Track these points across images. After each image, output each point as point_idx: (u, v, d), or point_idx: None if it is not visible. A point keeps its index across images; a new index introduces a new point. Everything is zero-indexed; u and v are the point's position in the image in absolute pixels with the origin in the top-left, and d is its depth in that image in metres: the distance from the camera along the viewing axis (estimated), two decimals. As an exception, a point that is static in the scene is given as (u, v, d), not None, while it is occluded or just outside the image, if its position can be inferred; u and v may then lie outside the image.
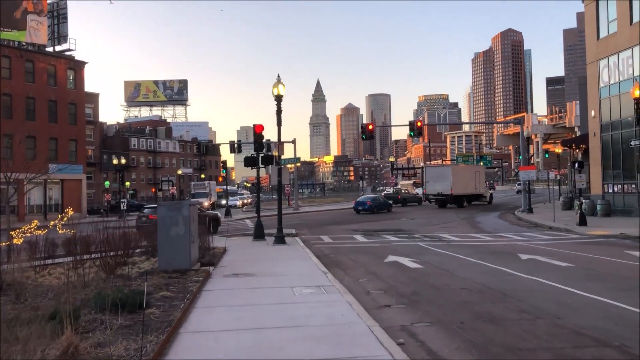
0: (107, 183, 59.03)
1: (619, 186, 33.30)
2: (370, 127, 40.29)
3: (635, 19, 31.47)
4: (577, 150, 45.36)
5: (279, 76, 20.49)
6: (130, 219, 41.36)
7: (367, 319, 8.56)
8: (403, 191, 64.17)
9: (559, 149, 68.23)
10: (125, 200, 47.70)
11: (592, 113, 35.47)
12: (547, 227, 28.95)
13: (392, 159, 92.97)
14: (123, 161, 62.69)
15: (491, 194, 58.58)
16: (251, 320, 8.68)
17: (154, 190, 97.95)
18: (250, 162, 23.57)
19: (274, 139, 43.31)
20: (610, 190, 34.04)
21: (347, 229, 30.55)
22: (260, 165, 23.59)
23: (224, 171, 56.54)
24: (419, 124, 41.52)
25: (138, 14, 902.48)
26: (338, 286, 11.29)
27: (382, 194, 63.72)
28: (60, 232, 14.78)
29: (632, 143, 24.14)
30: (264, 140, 24.56)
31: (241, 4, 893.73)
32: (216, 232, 26.03)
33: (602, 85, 34.57)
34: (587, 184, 36.23)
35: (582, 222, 27.44)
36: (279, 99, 20.65)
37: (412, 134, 42.75)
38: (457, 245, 20.91)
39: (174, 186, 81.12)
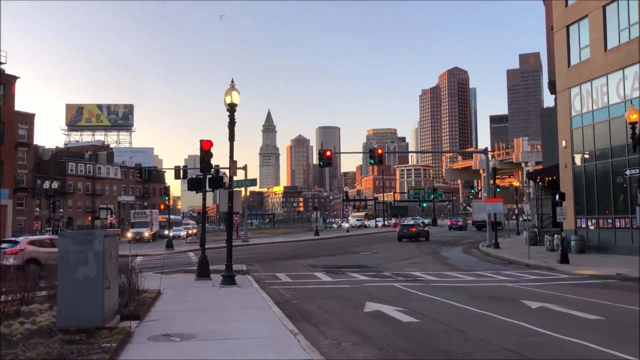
0: (37, 210, 53.27)
1: (594, 221, 31.19)
2: (328, 153, 39.06)
3: (610, 45, 29.92)
4: (541, 183, 43.66)
5: (232, 81, 16.86)
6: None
7: None
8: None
9: (516, 183, 67.33)
10: (50, 229, 42.35)
11: (564, 143, 33.52)
12: (524, 265, 26.50)
13: (347, 189, 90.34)
14: (55, 186, 57.21)
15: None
16: None
17: (90, 218, 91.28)
18: (195, 184, 19.70)
19: (223, 164, 39.83)
20: (584, 225, 31.91)
21: (305, 264, 26.98)
22: (208, 189, 19.75)
23: (166, 197, 51.82)
24: (379, 151, 40.32)
25: (84, 35, 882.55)
26: (318, 360, 7.67)
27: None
28: None
29: (627, 172, 21.84)
30: (212, 163, 20.84)
31: (191, 35, 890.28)
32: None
33: (574, 114, 32.74)
34: (552, 217, 34.18)
35: (564, 259, 24.99)
36: (232, 108, 16.97)
37: (372, 161, 41.18)
38: (440, 287, 17.71)
39: (113, 214, 75.58)
